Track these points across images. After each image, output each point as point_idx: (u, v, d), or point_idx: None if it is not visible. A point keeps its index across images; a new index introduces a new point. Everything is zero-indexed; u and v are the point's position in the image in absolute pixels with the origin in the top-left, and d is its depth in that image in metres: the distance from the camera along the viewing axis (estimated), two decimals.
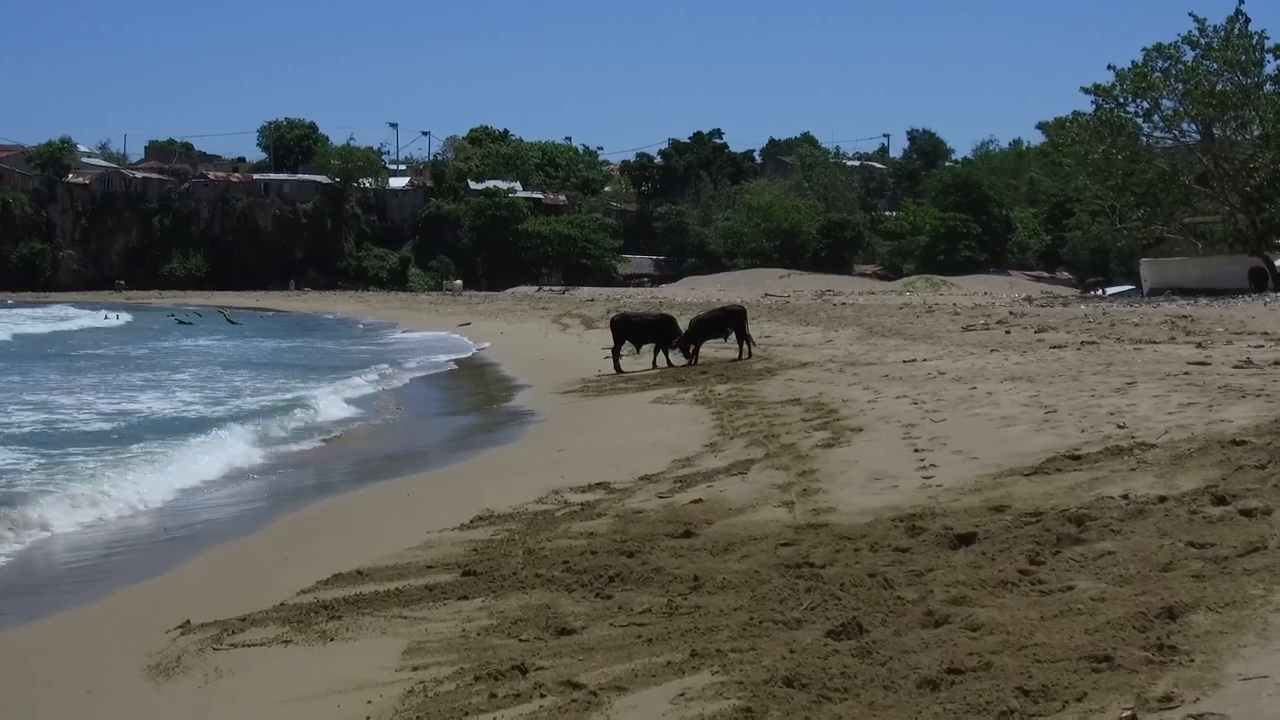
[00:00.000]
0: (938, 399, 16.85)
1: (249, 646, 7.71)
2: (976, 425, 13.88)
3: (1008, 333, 30.90)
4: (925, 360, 24.42)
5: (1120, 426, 12.27)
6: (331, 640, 7.64)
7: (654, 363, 27.58)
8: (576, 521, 10.86)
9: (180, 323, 67.80)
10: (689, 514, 10.62)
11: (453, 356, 39.31)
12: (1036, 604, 6.44)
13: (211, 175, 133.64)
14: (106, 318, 70.46)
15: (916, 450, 12.55)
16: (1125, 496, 8.80)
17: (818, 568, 7.69)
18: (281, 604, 8.69)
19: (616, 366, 27.40)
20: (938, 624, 6.22)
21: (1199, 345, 23.44)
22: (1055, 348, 25.14)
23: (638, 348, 28.48)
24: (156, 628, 8.61)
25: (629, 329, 28.52)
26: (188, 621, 8.44)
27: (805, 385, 21.54)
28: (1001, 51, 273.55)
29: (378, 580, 9.18)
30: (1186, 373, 17.02)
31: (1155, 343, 25.15)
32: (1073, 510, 8.38)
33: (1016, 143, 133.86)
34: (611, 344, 28.33)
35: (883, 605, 6.69)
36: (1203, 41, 53.08)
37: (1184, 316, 33.66)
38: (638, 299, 73.23)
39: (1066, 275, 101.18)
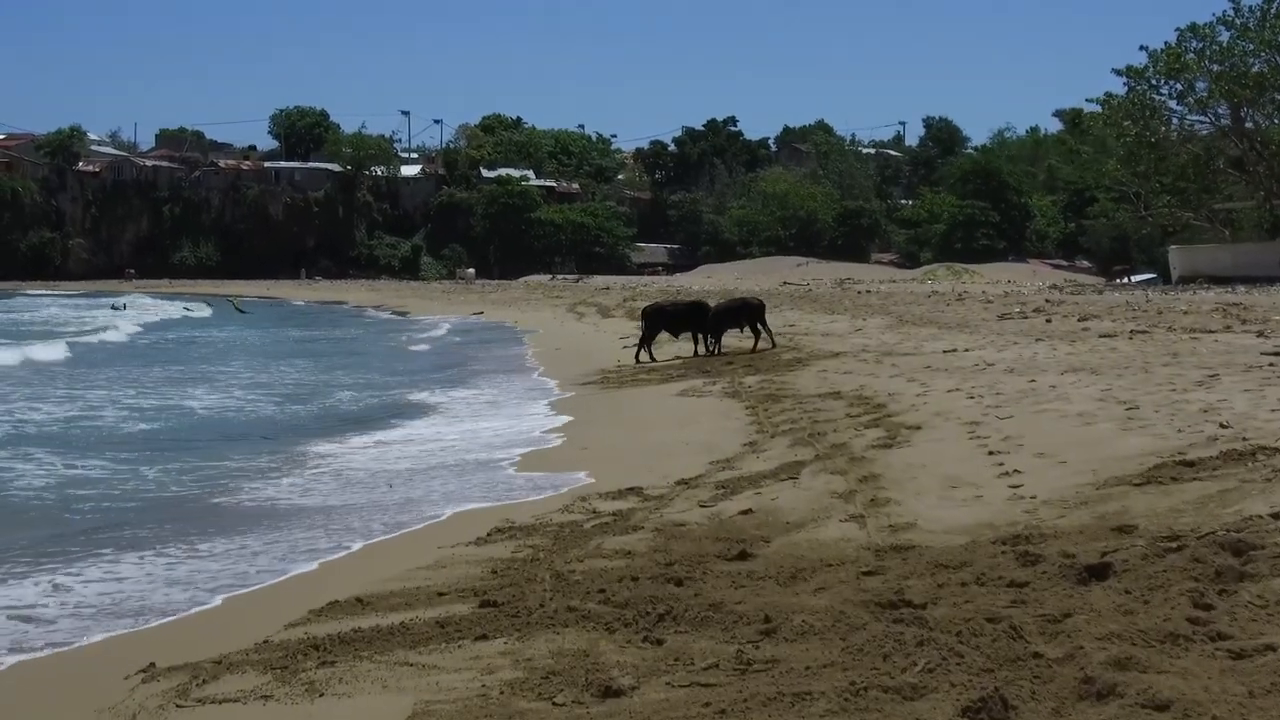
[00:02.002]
0: (996, 392, 15.42)
1: (219, 703, 6.29)
2: (1050, 423, 12.42)
3: (1049, 321, 29.47)
4: (967, 350, 23.04)
5: (1223, 426, 10.81)
6: (320, 696, 6.21)
7: (708, 349, 26.27)
8: (610, 536, 9.44)
9: (186, 311, 66.78)
10: (740, 528, 9.20)
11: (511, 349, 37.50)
12: (1232, 670, 4.97)
13: (222, 163, 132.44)
14: (114, 308, 69.10)
15: (991, 453, 11.08)
16: (1278, 516, 7.34)
17: (918, 608, 6.22)
18: (265, 640, 7.30)
19: (638, 357, 26.42)
20: (1102, 696, 4.75)
21: (1260, 334, 22.01)
22: (1105, 337, 23.72)
23: (675, 335, 27.35)
24: (120, 666, 7.25)
25: (663, 318, 27.47)
26: (152, 664, 7.05)
27: (842, 377, 20.16)
28: (1018, 39, 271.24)
29: (380, 610, 7.78)
30: (1272, 364, 15.55)
31: (1211, 331, 23.69)
32: (1221, 534, 6.92)
33: (1034, 130, 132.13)
34: (641, 334, 27.27)
35: (1022, 667, 5.20)
36: (1238, 22, 51.45)
37: (1235, 304, 32.16)
38: (654, 287, 71.79)
39: (1086, 264, 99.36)
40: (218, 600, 8.93)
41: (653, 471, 12.63)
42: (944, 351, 23.09)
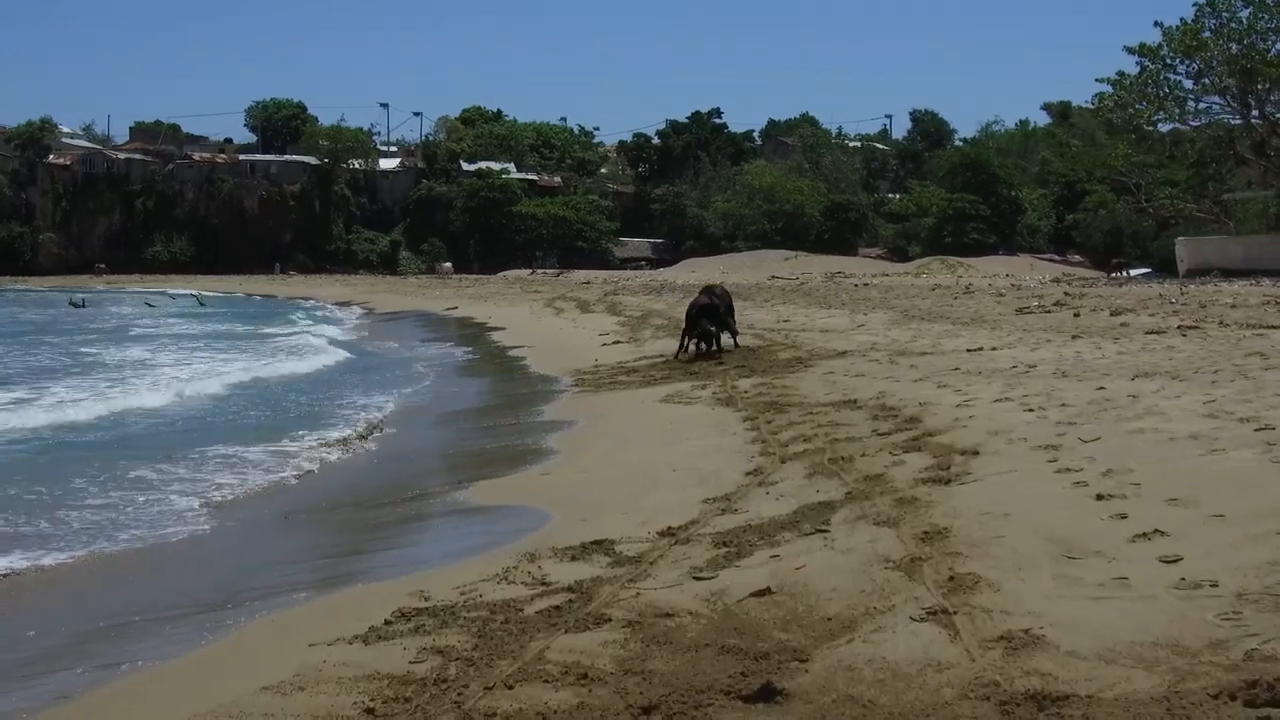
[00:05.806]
0: (1060, 404, 12.32)
1: None
2: (1156, 449, 9.30)
3: (1076, 315, 26.47)
4: (994, 349, 20.06)
5: None
6: None
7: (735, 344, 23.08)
8: (560, 633, 6.30)
9: (148, 305, 64.93)
10: (756, 626, 6.06)
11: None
12: None
13: (197, 156, 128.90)
14: (73, 304, 66.07)
15: (1100, 497, 7.85)
16: None
17: None
18: None
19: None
20: None
21: None
22: (1153, 334, 20.71)
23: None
24: None
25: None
26: None
27: (853, 380, 17.11)
28: (1005, 31, 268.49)
29: None
30: None
31: (1274, 327, 20.74)
32: None
33: (1024, 123, 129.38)
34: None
35: None
36: None
37: None
38: (636, 282, 68.78)
39: (1078, 258, 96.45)
40: None
41: (628, 513, 9.53)
42: (968, 350, 20.12)
